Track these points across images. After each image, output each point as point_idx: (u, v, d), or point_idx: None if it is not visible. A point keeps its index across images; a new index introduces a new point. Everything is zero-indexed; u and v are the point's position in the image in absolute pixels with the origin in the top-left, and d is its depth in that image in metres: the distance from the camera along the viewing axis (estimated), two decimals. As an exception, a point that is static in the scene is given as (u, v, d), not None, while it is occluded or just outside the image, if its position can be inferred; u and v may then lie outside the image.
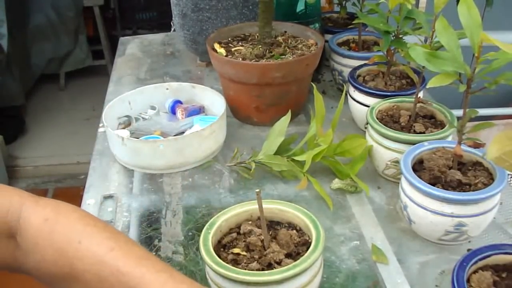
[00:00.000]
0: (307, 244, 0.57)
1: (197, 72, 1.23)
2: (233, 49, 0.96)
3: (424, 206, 0.64)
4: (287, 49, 0.95)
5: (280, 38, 0.99)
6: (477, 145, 0.68)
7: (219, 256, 0.55)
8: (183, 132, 0.91)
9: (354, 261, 0.66)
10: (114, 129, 0.89)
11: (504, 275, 0.55)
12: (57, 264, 0.49)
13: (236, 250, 0.57)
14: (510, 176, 0.89)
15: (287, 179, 0.82)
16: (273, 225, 0.61)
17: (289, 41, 0.98)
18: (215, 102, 0.94)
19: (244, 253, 0.57)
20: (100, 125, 0.97)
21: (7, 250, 0.52)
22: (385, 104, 0.82)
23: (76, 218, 0.50)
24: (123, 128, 0.93)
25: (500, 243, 0.59)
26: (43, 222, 0.50)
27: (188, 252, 0.68)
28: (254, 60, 0.91)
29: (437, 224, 0.64)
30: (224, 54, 0.94)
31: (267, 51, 0.93)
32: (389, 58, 0.87)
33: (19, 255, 0.51)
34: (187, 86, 0.99)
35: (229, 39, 1.01)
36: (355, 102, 0.90)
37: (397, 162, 0.76)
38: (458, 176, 0.65)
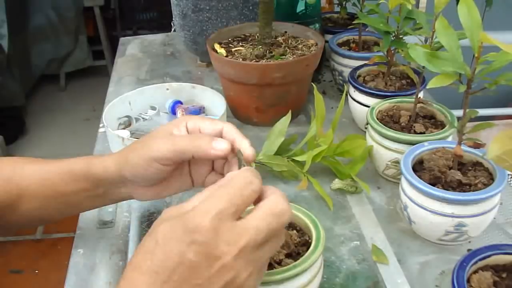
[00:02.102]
0: (307, 244, 0.57)
1: (197, 72, 1.23)
2: (233, 50, 0.96)
3: (424, 207, 0.64)
4: (287, 50, 0.95)
5: (280, 39, 0.99)
6: (477, 145, 0.68)
7: (219, 256, 0.55)
8: (183, 133, 0.91)
9: (354, 261, 0.66)
10: (114, 130, 0.89)
11: (504, 275, 0.55)
12: (5, 191, 0.60)
13: (236, 250, 0.57)
14: (510, 176, 0.88)
15: (287, 180, 0.82)
16: (273, 225, 0.61)
17: (289, 41, 0.98)
18: (215, 103, 0.94)
19: (244, 253, 0.57)
20: (100, 125, 0.97)
21: None
22: (385, 104, 0.82)
23: (15, 159, 0.64)
24: (123, 128, 0.93)
25: (500, 243, 0.59)
26: None
27: (188, 252, 0.68)
28: (254, 60, 0.91)
29: (437, 224, 0.64)
30: (224, 55, 0.94)
31: (267, 51, 0.93)
32: (389, 58, 0.87)
33: None
34: (187, 87, 0.99)
35: (229, 39, 1.01)
36: (355, 103, 0.90)
37: (397, 162, 0.76)
38: (458, 176, 0.65)
